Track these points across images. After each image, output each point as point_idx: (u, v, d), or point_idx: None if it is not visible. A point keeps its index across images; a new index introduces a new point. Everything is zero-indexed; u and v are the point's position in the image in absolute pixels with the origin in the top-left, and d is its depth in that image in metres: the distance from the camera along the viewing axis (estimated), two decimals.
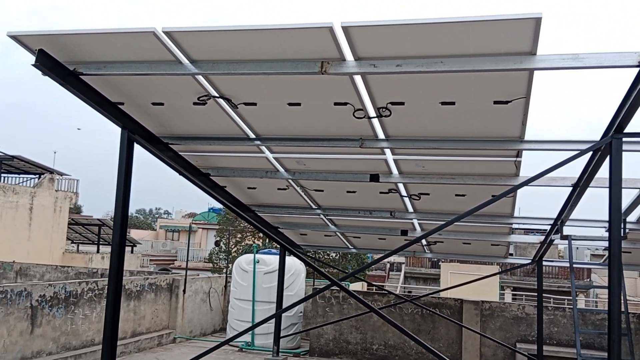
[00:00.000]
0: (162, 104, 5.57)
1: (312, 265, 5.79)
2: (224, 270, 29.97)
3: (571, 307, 10.93)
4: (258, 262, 11.81)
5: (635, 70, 3.87)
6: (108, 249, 26.14)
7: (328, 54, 4.31)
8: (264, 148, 6.43)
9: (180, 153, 6.64)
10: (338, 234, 9.71)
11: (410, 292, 30.04)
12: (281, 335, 10.07)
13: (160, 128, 6.07)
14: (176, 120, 5.89)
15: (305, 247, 10.82)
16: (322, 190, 7.56)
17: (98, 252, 23.41)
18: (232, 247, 32.41)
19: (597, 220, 7.77)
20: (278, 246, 10.11)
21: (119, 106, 5.49)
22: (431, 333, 10.60)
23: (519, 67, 4.07)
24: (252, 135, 6.06)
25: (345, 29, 4.02)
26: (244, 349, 11.39)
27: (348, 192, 7.40)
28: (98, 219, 25.75)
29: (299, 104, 5.25)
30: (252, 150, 6.50)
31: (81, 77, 4.86)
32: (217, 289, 13.46)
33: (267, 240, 30.63)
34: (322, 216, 8.67)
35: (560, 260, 9.59)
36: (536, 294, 9.77)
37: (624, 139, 4.44)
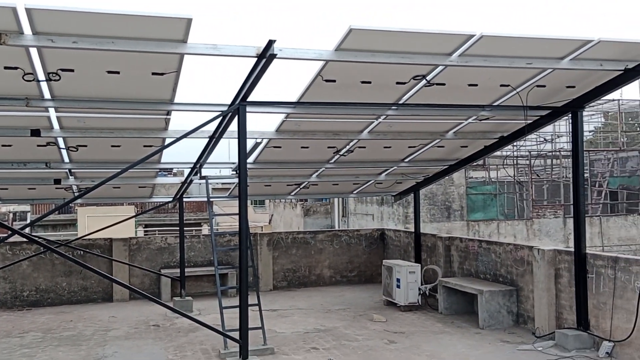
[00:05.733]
0: None
1: None
2: None
3: (205, 234, 13.06)
4: None
5: (254, 59, 5.57)
6: None
7: (8, 27, 4.79)
8: None
9: None
10: None
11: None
12: None
13: None
14: None
15: None
16: None
17: None
18: None
19: (224, 162, 9.77)
20: None
21: None
22: (83, 272, 11.31)
23: (174, 51, 5.36)
24: None
25: (28, 11, 4.61)
26: None
27: (4, 145, 7.57)
28: None
29: None
30: None
31: None
32: None
33: None
34: None
35: (198, 196, 11.15)
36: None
37: (248, 107, 6.22)
